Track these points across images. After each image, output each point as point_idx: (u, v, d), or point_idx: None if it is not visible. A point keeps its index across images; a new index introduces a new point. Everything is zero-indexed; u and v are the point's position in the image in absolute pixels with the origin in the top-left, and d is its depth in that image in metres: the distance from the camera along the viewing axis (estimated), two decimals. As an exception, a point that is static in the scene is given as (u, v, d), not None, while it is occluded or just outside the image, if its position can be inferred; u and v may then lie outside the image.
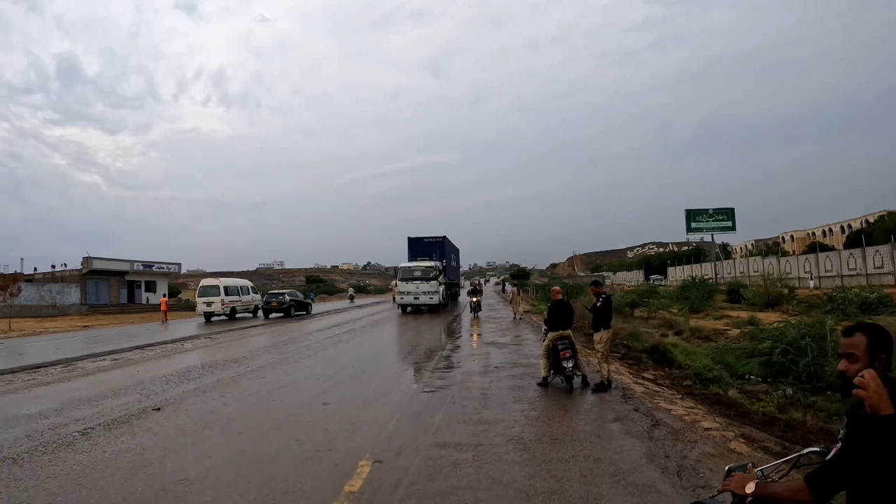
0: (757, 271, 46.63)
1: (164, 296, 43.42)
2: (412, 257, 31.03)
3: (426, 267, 28.35)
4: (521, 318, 23.24)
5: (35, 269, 48.84)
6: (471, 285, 29.47)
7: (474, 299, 25.64)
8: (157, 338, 18.85)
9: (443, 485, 4.58)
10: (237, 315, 28.94)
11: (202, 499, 4.40)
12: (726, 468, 2.23)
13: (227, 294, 28.15)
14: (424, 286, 27.73)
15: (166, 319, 30.51)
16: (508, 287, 46.28)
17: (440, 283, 28.53)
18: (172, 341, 17.59)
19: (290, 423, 6.91)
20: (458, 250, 41.15)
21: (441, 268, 29.35)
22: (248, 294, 30.93)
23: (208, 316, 28.09)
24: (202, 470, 5.09)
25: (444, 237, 33.37)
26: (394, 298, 36.74)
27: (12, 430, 6.71)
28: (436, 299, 27.89)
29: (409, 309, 28.77)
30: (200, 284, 29.49)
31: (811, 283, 37.88)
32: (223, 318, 28.18)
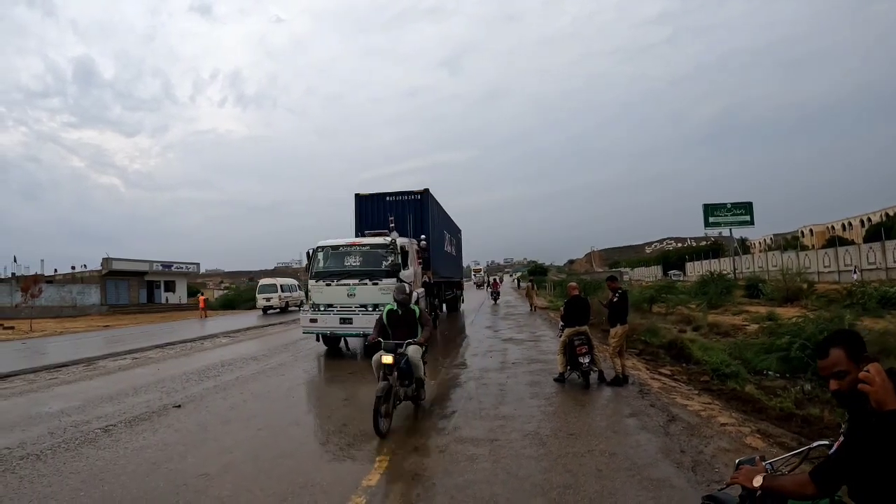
0: (776, 266, 45.90)
1: (201, 294, 48.36)
2: (360, 231, 15.86)
3: (371, 247, 12.52)
4: (535, 311, 24.74)
5: (55, 270, 49.63)
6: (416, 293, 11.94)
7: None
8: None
9: (459, 479, 4.61)
10: (289, 308, 33.49)
11: (223, 493, 4.48)
12: (736, 461, 2.25)
13: (282, 291, 33.80)
14: (368, 292, 11.83)
15: (205, 316, 32.97)
16: (523, 284, 53.11)
17: (409, 286, 9.96)
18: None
19: (309, 419, 6.99)
20: (459, 230, 25.70)
21: (412, 248, 13.55)
22: (297, 291, 35.77)
23: (266, 309, 32.93)
24: (223, 465, 5.17)
25: (426, 191, 17.17)
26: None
27: (35, 427, 6.86)
28: None
29: (340, 344, 13.17)
30: (260, 283, 35.93)
31: (854, 276, 37.02)
32: (277, 310, 32.82)
